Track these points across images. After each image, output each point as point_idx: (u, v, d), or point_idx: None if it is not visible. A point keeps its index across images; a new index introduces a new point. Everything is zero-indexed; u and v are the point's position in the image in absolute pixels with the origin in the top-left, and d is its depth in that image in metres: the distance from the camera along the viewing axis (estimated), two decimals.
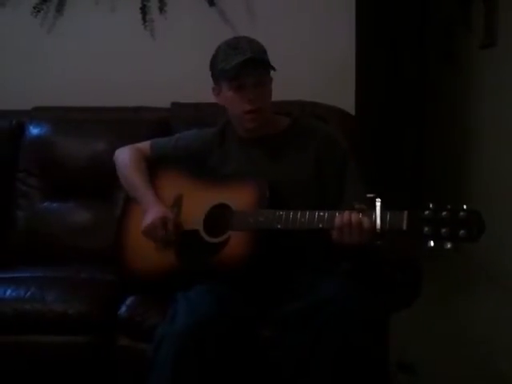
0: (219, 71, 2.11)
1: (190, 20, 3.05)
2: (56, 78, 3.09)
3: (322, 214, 1.89)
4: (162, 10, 3.03)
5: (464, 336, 3.17)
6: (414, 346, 2.96)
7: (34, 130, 2.79)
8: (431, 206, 1.73)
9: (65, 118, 2.87)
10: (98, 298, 2.24)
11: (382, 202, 1.80)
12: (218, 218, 2.07)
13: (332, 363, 1.87)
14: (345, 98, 2.94)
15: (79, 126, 2.83)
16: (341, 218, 1.85)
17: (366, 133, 3.68)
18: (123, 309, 2.18)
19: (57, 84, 3.06)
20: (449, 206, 1.72)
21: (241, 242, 2.00)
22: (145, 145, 2.34)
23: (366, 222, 1.82)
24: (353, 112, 2.94)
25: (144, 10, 3.02)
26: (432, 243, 1.71)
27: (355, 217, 1.83)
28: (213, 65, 2.15)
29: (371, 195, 1.83)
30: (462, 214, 1.69)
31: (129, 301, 2.20)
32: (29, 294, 2.24)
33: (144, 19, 3.03)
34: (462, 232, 1.68)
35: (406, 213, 1.77)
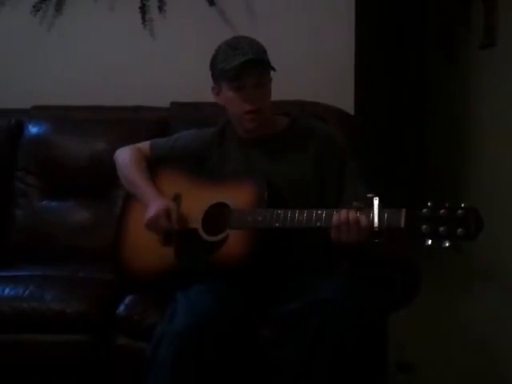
0: (219, 71, 2.11)
1: (189, 20, 3.05)
2: (55, 76, 3.09)
3: (319, 212, 1.89)
4: (161, 9, 3.03)
5: (464, 336, 3.16)
6: (414, 346, 2.96)
7: (33, 129, 2.79)
8: (429, 204, 1.73)
9: (64, 117, 2.87)
10: (97, 297, 2.24)
11: (380, 201, 1.80)
12: (217, 216, 2.07)
13: (331, 363, 1.87)
14: (344, 98, 2.94)
15: (78, 125, 2.83)
16: (338, 216, 1.85)
17: (366, 133, 3.69)
18: (122, 308, 2.18)
19: (56, 83, 3.07)
20: (447, 204, 1.71)
21: (239, 241, 2.00)
22: (144, 145, 2.35)
23: (363, 220, 1.82)
24: (352, 112, 2.94)
25: (143, 10, 3.02)
26: (430, 241, 1.71)
27: (353, 215, 1.83)
28: (213, 65, 2.15)
29: (370, 195, 1.83)
30: (460, 212, 1.69)
31: (127, 300, 2.20)
32: (27, 292, 2.24)
33: (143, 18, 3.03)
34: (459, 230, 1.67)
35: (403, 211, 1.76)
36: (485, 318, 3.39)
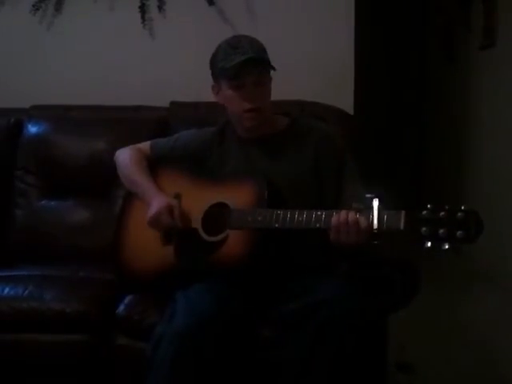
0: (219, 70, 2.11)
1: (189, 19, 3.05)
2: (55, 76, 3.09)
3: (319, 213, 1.89)
4: (160, 8, 3.03)
5: (463, 336, 3.16)
6: (413, 346, 2.96)
7: (33, 129, 2.79)
8: (429, 206, 1.72)
9: (63, 117, 2.87)
10: (97, 297, 2.25)
11: (380, 202, 1.80)
12: (217, 216, 2.07)
13: (331, 363, 1.87)
14: (344, 98, 2.94)
15: (78, 124, 2.83)
16: (338, 217, 1.85)
17: (365, 133, 3.69)
18: (121, 308, 2.18)
19: (55, 82, 3.07)
20: (447, 207, 1.71)
21: (239, 241, 2.00)
22: (145, 145, 2.35)
23: (363, 221, 1.82)
24: (352, 112, 2.94)
25: (143, 9, 3.02)
26: (429, 244, 1.71)
27: (352, 216, 1.83)
28: (213, 63, 2.15)
29: (369, 195, 1.82)
30: (459, 214, 1.68)
31: (127, 300, 2.20)
32: (27, 292, 2.24)
33: (143, 18, 3.03)
34: (459, 233, 1.67)
35: (403, 213, 1.76)
36: (485, 318, 3.39)
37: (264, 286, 2.04)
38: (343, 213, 1.85)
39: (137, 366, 2.00)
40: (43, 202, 2.72)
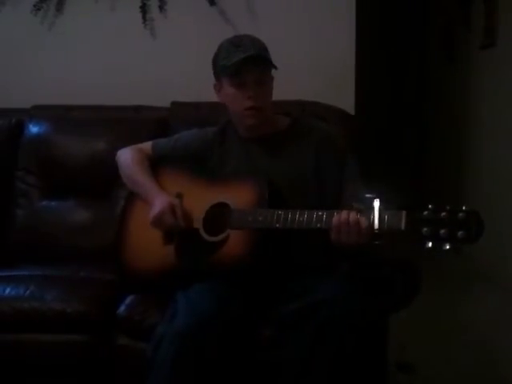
0: (221, 67, 2.11)
1: (190, 19, 3.05)
2: (56, 76, 3.09)
3: (320, 213, 1.89)
4: (162, 8, 3.03)
5: (464, 336, 3.17)
6: (414, 346, 2.96)
7: (34, 129, 2.79)
8: (430, 206, 1.72)
9: (64, 117, 2.87)
10: (97, 297, 2.25)
11: (380, 202, 1.80)
12: (218, 216, 2.07)
13: (332, 363, 1.87)
14: (345, 98, 2.94)
15: (79, 124, 2.83)
16: (338, 217, 1.85)
17: (366, 133, 3.69)
18: (122, 308, 2.18)
19: (56, 82, 3.07)
20: (448, 207, 1.71)
21: (239, 241, 2.00)
22: (146, 145, 2.35)
23: (363, 221, 1.82)
24: (352, 112, 2.94)
25: (144, 9, 3.02)
26: (430, 244, 1.71)
27: (353, 216, 1.83)
28: (214, 62, 2.15)
29: (370, 195, 1.83)
30: (460, 214, 1.69)
31: (128, 300, 2.20)
32: (28, 292, 2.24)
33: (144, 18, 3.03)
34: (460, 233, 1.67)
35: (404, 213, 1.76)
36: (485, 318, 3.39)
37: (264, 286, 2.04)
38: (344, 213, 1.85)
39: (137, 367, 2.00)
40: (44, 203, 2.72)
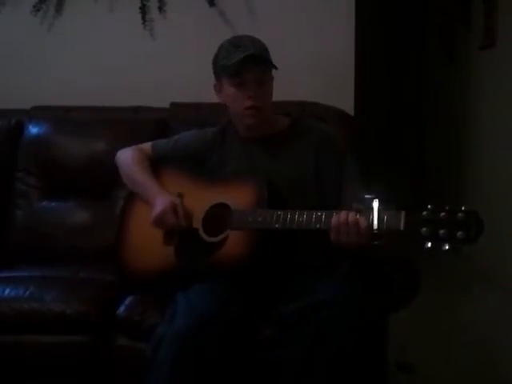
0: (221, 67, 2.11)
1: (189, 20, 3.05)
2: (55, 77, 3.09)
3: (319, 214, 1.89)
4: (161, 9, 3.03)
5: (464, 336, 3.17)
6: (414, 346, 2.96)
7: (33, 130, 2.79)
8: (429, 206, 1.72)
9: (64, 118, 2.87)
10: (97, 298, 2.24)
11: (380, 203, 1.80)
12: (217, 217, 2.08)
13: (332, 363, 1.87)
14: (344, 99, 2.94)
15: (78, 125, 2.83)
16: (338, 217, 1.85)
17: (366, 133, 3.69)
18: (122, 308, 2.18)
19: (56, 83, 3.07)
20: (447, 207, 1.71)
21: (239, 242, 2.00)
22: (146, 146, 2.35)
23: (363, 222, 1.82)
24: (352, 112, 2.94)
25: (143, 10, 3.02)
26: (430, 244, 1.71)
27: (352, 217, 1.84)
28: (215, 62, 2.16)
29: (369, 195, 1.83)
30: (460, 215, 1.69)
31: (127, 300, 2.20)
32: (27, 293, 2.24)
33: (143, 19, 3.03)
34: (460, 233, 1.67)
35: (403, 213, 1.76)
36: (485, 318, 3.39)
37: (264, 287, 2.04)
38: (343, 213, 1.85)
39: (137, 367, 2.00)
40: (44, 203, 2.72)
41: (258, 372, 2.02)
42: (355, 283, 1.99)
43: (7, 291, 2.25)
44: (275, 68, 2.12)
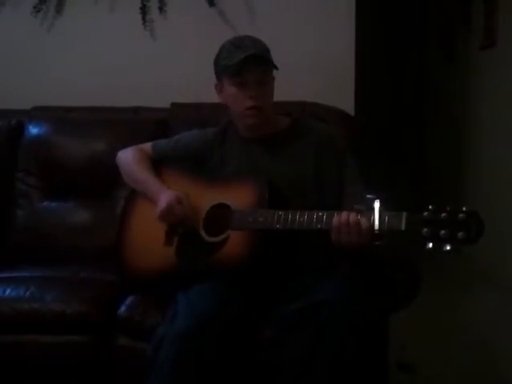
0: (222, 67, 2.12)
1: (189, 20, 3.05)
2: (55, 77, 3.09)
3: (320, 214, 1.89)
4: (161, 10, 3.03)
5: (464, 336, 3.17)
6: (414, 346, 2.96)
7: (34, 130, 2.79)
8: (430, 207, 1.73)
9: (64, 118, 2.87)
10: (98, 298, 2.24)
11: (381, 203, 1.80)
12: (218, 217, 2.08)
13: (332, 363, 1.87)
14: (344, 99, 2.94)
15: (78, 125, 2.83)
16: (339, 218, 1.86)
17: (366, 133, 3.69)
18: (123, 308, 2.18)
19: (56, 84, 3.07)
20: (448, 208, 1.71)
21: (240, 242, 2.01)
22: (147, 146, 2.35)
23: (364, 222, 1.82)
24: (352, 112, 2.94)
25: (144, 10, 3.02)
26: (431, 245, 1.71)
27: (353, 217, 1.84)
28: (216, 62, 2.16)
29: (370, 196, 1.83)
30: (461, 215, 1.69)
31: (128, 300, 2.20)
32: (28, 293, 2.24)
33: (144, 19, 3.03)
34: (460, 234, 1.67)
35: (404, 214, 1.77)
36: (485, 318, 3.39)
37: (265, 287, 2.04)
38: (344, 214, 1.85)
39: (138, 367, 2.00)
40: (44, 203, 2.72)
41: (258, 372, 2.02)
42: (356, 283, 1.99)
43: (8, 291, 2.26)
44: (276, 68, 2.12)
